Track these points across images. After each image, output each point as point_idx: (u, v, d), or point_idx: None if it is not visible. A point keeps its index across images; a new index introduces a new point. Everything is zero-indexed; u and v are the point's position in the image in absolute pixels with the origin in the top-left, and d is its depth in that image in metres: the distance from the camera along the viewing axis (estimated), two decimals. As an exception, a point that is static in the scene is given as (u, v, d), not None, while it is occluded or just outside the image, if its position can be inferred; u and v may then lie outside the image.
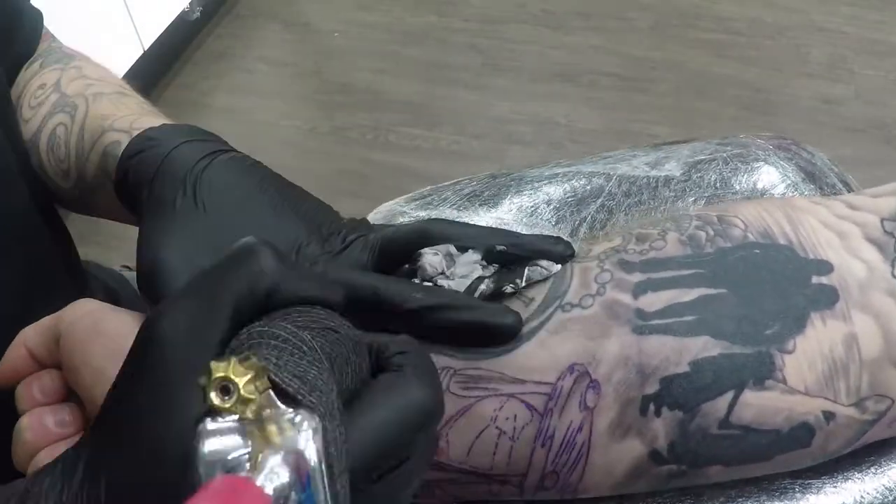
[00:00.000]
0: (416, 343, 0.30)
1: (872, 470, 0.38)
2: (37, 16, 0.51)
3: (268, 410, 0.22)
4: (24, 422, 0.32)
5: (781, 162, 0.52)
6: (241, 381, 0.22)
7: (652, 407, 0.32)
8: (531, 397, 0.33)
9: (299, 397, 0.23)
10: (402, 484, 0.27)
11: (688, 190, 0.52)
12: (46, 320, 0.33)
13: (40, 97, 0.46)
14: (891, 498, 0.37)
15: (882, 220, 0.36)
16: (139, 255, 0.35)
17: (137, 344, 0.25)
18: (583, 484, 0.34)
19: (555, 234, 0.41)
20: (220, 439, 0.22)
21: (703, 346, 0.33)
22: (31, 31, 0.50)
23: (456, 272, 0.35)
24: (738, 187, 0.51)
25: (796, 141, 0.55)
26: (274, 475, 0.21)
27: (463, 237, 0.36)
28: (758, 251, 0.35)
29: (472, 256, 0.36)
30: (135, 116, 0.41)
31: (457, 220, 0.52)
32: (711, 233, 0.36)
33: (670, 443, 0.33)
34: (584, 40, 1.93)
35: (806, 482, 0.38)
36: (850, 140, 1.67)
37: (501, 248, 0.36)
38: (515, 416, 0.33)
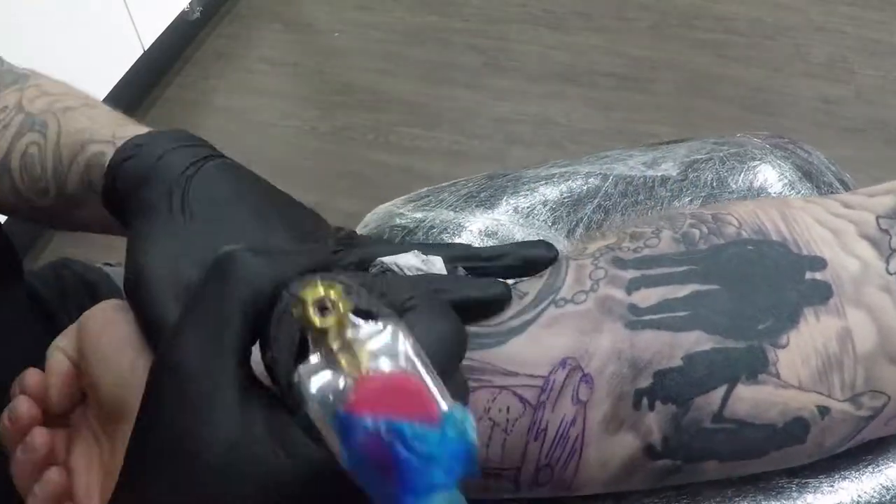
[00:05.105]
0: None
1: (869, 469, 0.38)
2: None
3: (351, 329, 0.23)
4: None
5: (778, 161, 0.52)
6: (334, 296, 0.23)
7: (645, 401, 0.33)
8: (524, 390, 0.33)
9: (374, 310, 0.25)
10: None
11: (684, 190, 0.52)
12: (75, 323, 0.35)
13: (4, 120, 0.45)
14: (888, 497, 0.37)
15: (877, 218, 0.36)
16: (126, 260, 0.35)
17: (155, 383, 0.26)
18: (577, 479, 0.34)
19: (542, 238, 0.41)
20: (318, 375, 0.23)
21: (696, 341, 0.33)
22: None
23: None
24: (734, 186, 0.51)
25: (793, 139, 0.55)
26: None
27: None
28: (751, 248, 0.35)
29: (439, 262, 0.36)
30: (114, 126, 0.41)
31: (453, 221, 0.52)
32: (705, 230, 0.36)
33: (664, 437, 0.33)
34: (584, 40, 1.93)
35: (803, 481, 0.38)
36: (851, 140, 1.67)
37: (481, 265, 0.37)
38: (508, 409, 0.33)
